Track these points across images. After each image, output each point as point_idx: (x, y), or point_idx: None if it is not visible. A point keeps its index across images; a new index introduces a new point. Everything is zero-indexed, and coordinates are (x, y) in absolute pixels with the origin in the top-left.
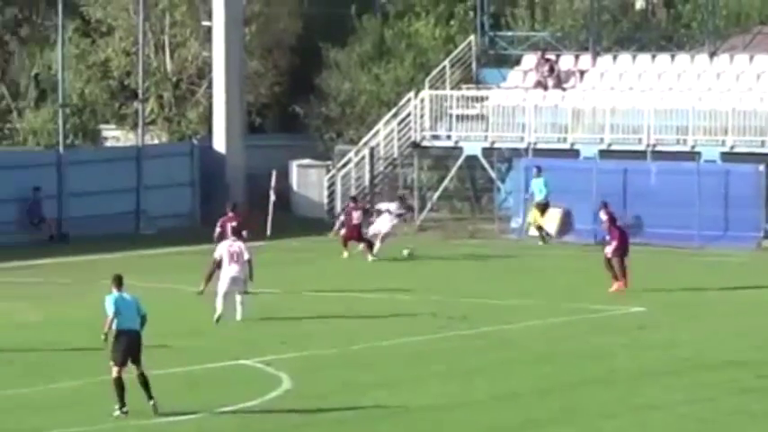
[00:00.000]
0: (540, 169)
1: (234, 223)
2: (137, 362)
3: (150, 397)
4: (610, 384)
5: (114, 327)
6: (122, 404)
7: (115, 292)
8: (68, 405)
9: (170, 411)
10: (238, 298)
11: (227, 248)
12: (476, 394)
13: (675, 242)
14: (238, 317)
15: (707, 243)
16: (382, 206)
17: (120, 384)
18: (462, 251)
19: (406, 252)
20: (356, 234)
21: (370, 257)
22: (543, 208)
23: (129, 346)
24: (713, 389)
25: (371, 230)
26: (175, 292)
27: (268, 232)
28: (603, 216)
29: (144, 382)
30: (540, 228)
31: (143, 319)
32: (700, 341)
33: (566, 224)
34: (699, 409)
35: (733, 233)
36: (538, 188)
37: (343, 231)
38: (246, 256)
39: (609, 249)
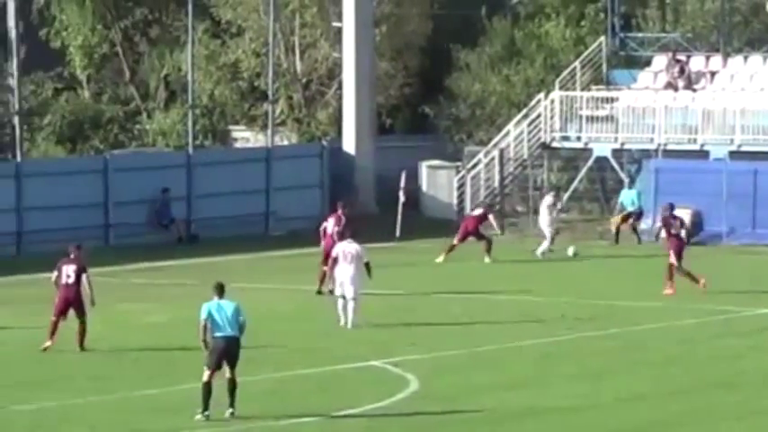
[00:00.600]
0: (633, 181)
1: (332, 220)
2: (231, 367)
3: (232, 404)
4: (736, 387)
5: (212, 333)
6: (206, 408)
7: (215, 300)
8: (195, 406)
9: (298, 413)
10: (351, 304)
11: (342, 250)
12: (602, 396)
13: None
14: (348, 325)
15: None
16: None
17: (207, 389)
18: (592, 252)
19: (570, 251)
20: (475, 234)
21: (486, 259)
22: (628, 217)
23: (224, 351)
24: None
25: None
26: (305, 294)
27: (397, 233)
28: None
29: (231, 389)
30: (618, 229)
31: (242, 327)
32: None
33: (695, 226)
34: None
35: None
36: (630, 200)
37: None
38: (365, 259)
39: (673, 259)
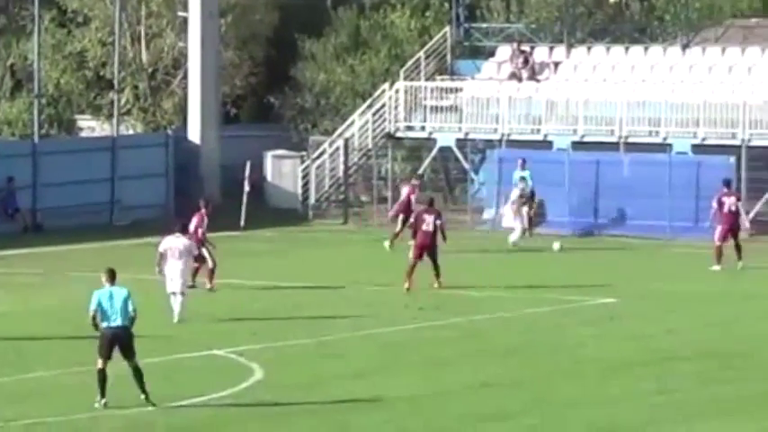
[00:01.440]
0: (525, 161)
1: (195, 219)
2: (128, 357)
3: (143, 391)
4: (580, 375)
5: (101, 322)
6: (102, 395)
7: (106, 287)
8: (41, 395)
9: (142, 402)
10: (179, 298)
11: (169, 246)
12: (447, 385)
13: (647, 233)
14: (176, 319)
15: (678, 234)
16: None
17: (102, 376)
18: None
19: (556, 246)
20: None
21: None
22: (527, 200)
23: (112, 342)
24: (684, 379)
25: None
26: (149, 283)
27: (242, 223)
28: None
29: (137, 377)
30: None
31: (133, 316)
32: (670, 332)
33: (538, 215)
34: (668, 399)
35: (704, 224)
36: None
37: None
38: (194, 252)
39: (413, 253)
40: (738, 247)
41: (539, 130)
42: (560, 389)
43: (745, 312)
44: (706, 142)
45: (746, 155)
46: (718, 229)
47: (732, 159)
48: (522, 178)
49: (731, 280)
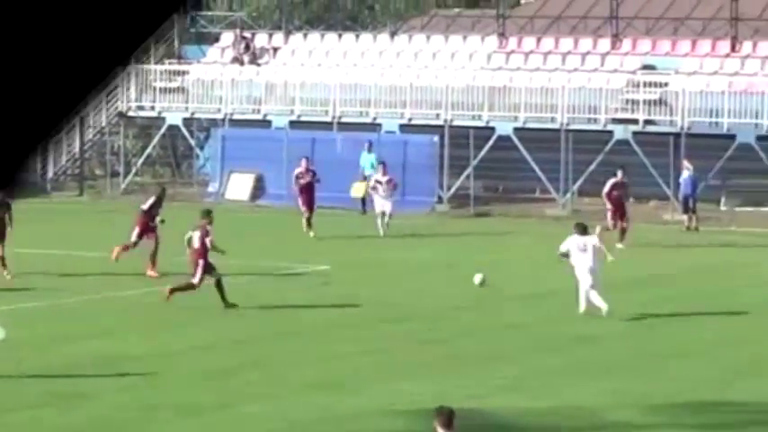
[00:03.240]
0: (371, 144)
1: None
2: None
3: None
4: (296, 336)
5: None
6: None
7: None
8: None
9: None
10: None
11: None
12: (177, 345)
13: (357, 206)
14: None
15: None
16: (373, 180)
17: None
18: (163, 214)
19: (478, 279)
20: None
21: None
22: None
23: None
24: (391, 340)
25: (378, 210)
26: None
27: None
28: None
29: None
30: (364, 201)
31: None
32: (379, 297)
33: (259, 189)
34: (377, 358)
35: (410, 198)
36: (369, 163)
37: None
38: None
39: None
40: (623, 230)
41: (259, 110)
42: (278, 348)
43: (448, 279)
44: (412, 122)
45: (449, 134)
46: (609, 214)
47: (436, 138)
48: (383, 163)
49: (435, 250)
